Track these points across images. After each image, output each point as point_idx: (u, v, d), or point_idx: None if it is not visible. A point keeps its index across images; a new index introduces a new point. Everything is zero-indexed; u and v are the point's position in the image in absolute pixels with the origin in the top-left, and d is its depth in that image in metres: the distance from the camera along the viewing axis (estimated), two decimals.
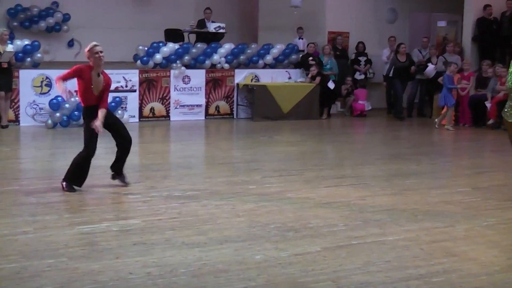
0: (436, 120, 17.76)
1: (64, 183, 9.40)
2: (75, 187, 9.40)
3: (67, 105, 15.59)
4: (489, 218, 8.36)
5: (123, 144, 9.70)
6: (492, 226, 8.05)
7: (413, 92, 20.34)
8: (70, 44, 21.35)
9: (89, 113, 9.32)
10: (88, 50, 9.23)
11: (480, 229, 7.94)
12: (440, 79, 17.95)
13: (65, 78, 9.33)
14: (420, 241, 7.35)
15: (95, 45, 9.27)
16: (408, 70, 19.28)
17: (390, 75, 19.55)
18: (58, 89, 9.51)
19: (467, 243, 7.39)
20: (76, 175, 9.46)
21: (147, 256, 6.54)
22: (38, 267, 6.14)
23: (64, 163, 11.51)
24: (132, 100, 17.08)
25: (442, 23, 23.24)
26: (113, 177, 9.90)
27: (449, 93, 17.32)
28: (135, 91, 17.12)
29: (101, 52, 9.22)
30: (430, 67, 19.32)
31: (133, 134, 15.14)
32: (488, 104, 17.55)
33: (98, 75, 9.28)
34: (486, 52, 19.62)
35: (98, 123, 9.09)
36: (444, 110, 17.62)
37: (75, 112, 15.59)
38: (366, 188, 9.98)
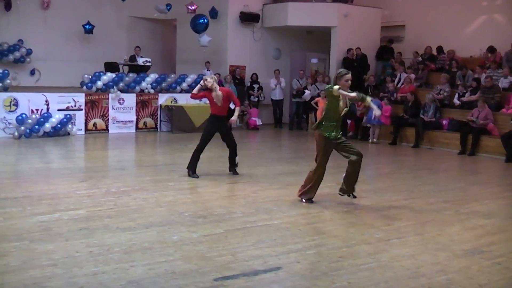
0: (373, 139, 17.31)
1: (188, 171, 10.52)
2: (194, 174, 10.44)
3: (29, 121, 15.22)
4: (348, 205, 8.54)
5: (229, 146, 10.81)
6: (351, 211, 8.24)
7: (293, 111, 20.61)
8: (32, 72, 20.75)
9: (213, 118, 10.57)
10: (207, 81, 10.41)
11: (342, 213, 8.11)
12: (313, 102, 18.14)
13: (198, 95, 10.63)
14: (298, 224, 7.45)
15: (212, 78, 10.51)
16: None
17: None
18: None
19: (332, 224, 7.54)
20: (191, 163, 10.54)
21: (89, 238, 6.44)
22: (6, 248, 5.98)
23: (27, 167, 11.29)
24: (80, 117, 16.70)
25: (314, 60, 23.55)
26: (229, 169, 10.95)
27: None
28: (81, 109, 16.79)
29: (210, 83, 10.37)
30: (307, 92, 19.58)
31: (80, 143, 15.06)
32: (348, 121, 17.90)
33: (216, 93, 10.38)
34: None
35: (233, 119, 10.59)
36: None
37: (36, 126, 15.23)
38: (258, 184, 10.04)
